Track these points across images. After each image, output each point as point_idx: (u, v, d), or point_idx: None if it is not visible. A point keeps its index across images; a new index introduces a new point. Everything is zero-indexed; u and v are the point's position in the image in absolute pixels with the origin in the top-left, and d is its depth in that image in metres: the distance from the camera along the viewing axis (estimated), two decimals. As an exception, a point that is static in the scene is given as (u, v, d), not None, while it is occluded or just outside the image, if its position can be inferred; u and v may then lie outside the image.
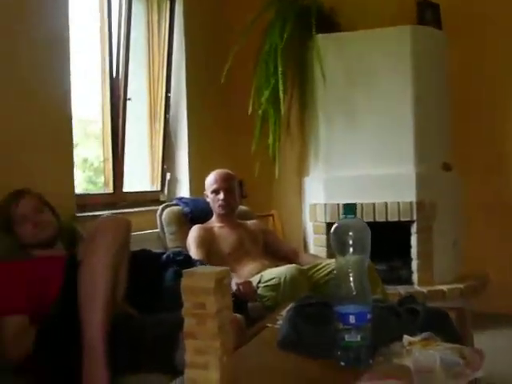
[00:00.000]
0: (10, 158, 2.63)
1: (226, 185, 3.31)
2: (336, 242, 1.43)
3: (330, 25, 4.22)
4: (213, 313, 1.19)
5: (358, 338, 1.37)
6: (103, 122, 3.62)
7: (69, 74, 3.04)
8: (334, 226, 1.44)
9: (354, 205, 1.45)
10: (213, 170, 3.43)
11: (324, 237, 4.23)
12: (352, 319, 1.37)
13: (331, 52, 4.10)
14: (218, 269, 1.26)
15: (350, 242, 1.40)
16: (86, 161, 3.77)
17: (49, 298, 2.03)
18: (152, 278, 2.46)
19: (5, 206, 2.33)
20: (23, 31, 2.76)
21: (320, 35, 4.07)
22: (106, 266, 1.78)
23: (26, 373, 1.81)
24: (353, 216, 1.44)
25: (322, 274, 3.01)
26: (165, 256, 2.59)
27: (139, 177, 4.09)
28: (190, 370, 1.24)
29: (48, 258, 2.28)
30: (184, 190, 4.16)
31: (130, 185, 3.86)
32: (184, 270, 1.25)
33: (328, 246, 4.17)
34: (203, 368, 1.22)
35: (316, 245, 4.30)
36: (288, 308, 1.66)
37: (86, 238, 1.86)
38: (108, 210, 3.35)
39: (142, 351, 1.88)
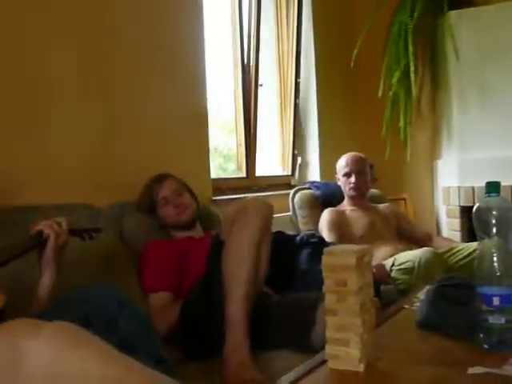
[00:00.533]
0: (153, 145, 2.79)
1: (358, 168, 3.30)
2: (478, 222, 1.39)
3: (462, 0, 4.05)
4: (354, 290, 1.21)
5: (503, 321, 1.33)
6: (236, 108, 3.73)
7: (204, 64, 3.15)
8: (476, 206, 1.40)
9: (498, 183, 1.39)
10: (342, 153, 3.43)
11: (458, 221, 4.10)
12: (496, 301, 1.33)
13: (464, 29, 3.93)
14: (358, 247, 1.27)
15: (494, 222, 1.35)
16: (216, 149, 3.87)
17: (192, 276, 2.13)
18: (286, 260, 2.51)
19: (148, 189, 2.49)
20: (159, 24, 2.90)
21: (452, 12, 3.92)
22: (252, 244, 1.83)
23: (173, 344, 1.90)
24: (496, 195, 1.39)
25: (456, 259, 2.93)
26: (298, 238, 2.62)
27: (270, 161, 4.17)
28: (330, 346, 1.26)
29: (192, 238, 2.41)
30: (314, 174, 4.19)
31: (262, 169, 3.94)
32: (325, 248, 1.27)
33: (462, 229, 4.04)
34: (344, 345, 1.24)
35: (450, 229, 4.18)
36: (427, 288, 1.64)
37: (229, 218, 1.91)
38: (242, 194, 3.45)
39: (280, 330, 1.93)
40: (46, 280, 1.60)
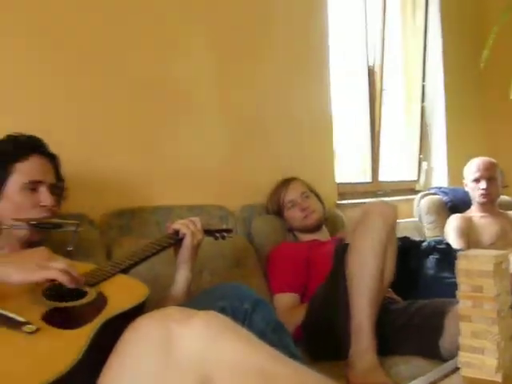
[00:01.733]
0: (282, 149, 2.85)
1: (488, 173, 3.19)
2: None
3: None
4: (491, 296, 1.18)
5: None
6: (360, 112, 3.72)
7: (328, 68, 3.17)
8: None
9: None
10: (470, 158, 3.32)
11: None
12: None
13: None
14: (496, 252, 1.24)
15: None
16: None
17: (318, 278, 2.15)
18: (412, 265, 2.47)
19: (276, 192, 2.56)
20: (280, 24, 2.95)
21: None
22: (376, 247, 1.81)
23: (298, 346, 1.94)
24: None
25: None
26: (425, 244, 2.57)
27: (395, 166, 4.11)
28: (464, 353, 1.24)
29: (318, 241, 2.44)
30: (439, 179, 4.08)
31: (387, 174, 3.90)
32: (459, 253, 1.25)
33: None
34: (479, 352, 1.21)
35: None
36: None
37: (355, 222, 1.91)
38: (366, 198, 3.43)
39: (405, 335, 1.91)
40: (182, 277, 1.67)
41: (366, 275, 1.80)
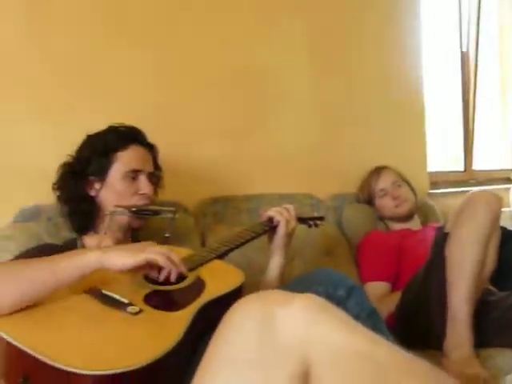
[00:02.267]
0: (373, 137, 2.82)
1: None
2: None
3: None
4: None
5: None
6: (453, 98, 3.62)
7: (420, 54, 3.10)
8: None
9: None
10: None
11: None
12: None
13: None
14: None
15: None
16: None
17: (409, 268, 2.12)
18: (508, 256, 2.39)
19: (367, 181, 2.55)
20: (371, 9, 2.91)
21: None
22: (479, 237, 1.75)
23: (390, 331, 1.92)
24: None
25: None
26: (524, 235, 2.48)
27: (490, 154, 3.97)
28: None
29: (410, 231, 2.41)
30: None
31: (480, 163, 3.78)
32: None
33: None
34: None
35: None
36: None
37: (457, 210, 1.86)
38: (458, 187, 3.35)
39: (503, 328, 1.85)
40: (276, 263, 1.69)
41: (467, 266, 1.75)
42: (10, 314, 1.08)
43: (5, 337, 1.02)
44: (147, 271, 1.27)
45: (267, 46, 2.47)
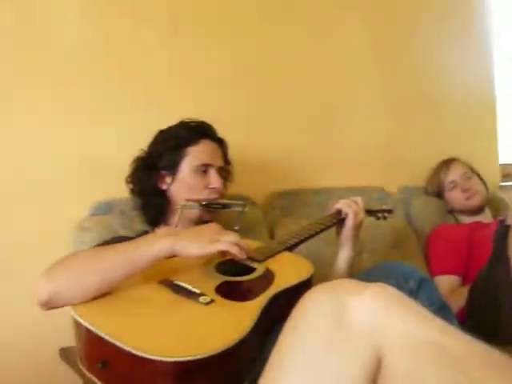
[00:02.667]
0: (442, 130, 2.78)
1: None
2: None
3: None
4: None
5: None
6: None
7: (489, 41, 3.03)
8: None
9: None
10: None
11: None
12: None
13: None
14: None
15: None
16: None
17: (479, 261, 2.08)
18: None
19: (436, 174, 2.51)
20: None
21: None
22: None
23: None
24: None
25: None
26: None
27: None
28: None
29: (480, 224, 2.36)
30: None
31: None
32: None
33: None
34: None
35: None
36: None
37: None
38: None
39: None
40: (344, 255, 1.69)
41: None
42: (89, 301, 1.13)
43: (84, 323, 1.06)
44: (218, 257, 1.31)
45: (335, 40, 2.47)
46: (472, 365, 0.78)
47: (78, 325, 1.10)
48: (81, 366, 1.13)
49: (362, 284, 0.90)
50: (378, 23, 2.61)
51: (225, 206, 1.60)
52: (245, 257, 1.29)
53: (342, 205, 1.70)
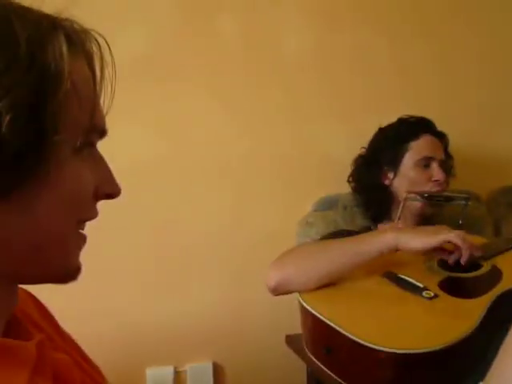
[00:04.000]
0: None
1: None
2: None
3: None
4: None
5: None
6: None
7: None
8: None
9: None
10: None
11: None
12: None
13: None
14: None
15: None
16: None
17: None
18: None
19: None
20: None
21: None
22: None
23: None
24: None
25: None
26: None
27: None
28: None
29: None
30: None
31: None
32: None
33: None
34: None
35: None
36: None
37: None
38: None
39: None
40: None
41: None
42: (315, 290, 1.20)
43: (311, 310, 1.13)
44: (439, 254, 1.29)
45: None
46: None
47: (304, 311, 1.17)
48: (306, 351, 1.20)
49: None
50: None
51: (448, 199, 1.58)
52: (469, 250, 1.26)
53: None
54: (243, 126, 1.93)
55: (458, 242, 1.23)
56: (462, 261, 1.26)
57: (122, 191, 0.58)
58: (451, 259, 1.28)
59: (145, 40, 1.82)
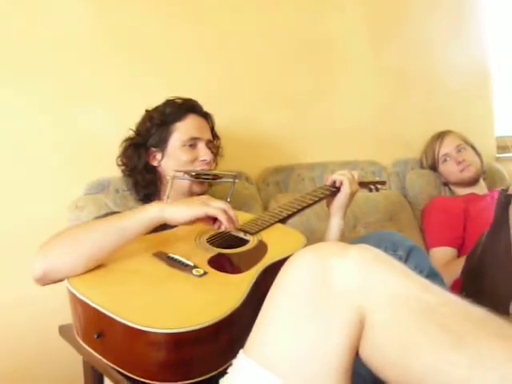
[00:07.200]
0: (436, 102, 2.78)
1: None
2: None
3: None
4: None
5: None
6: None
7: (487, 11, 3.01)
8: None
9: None
10: None
11: None
12: None
13: None
14: None
15: None
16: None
17: (475, 232, 2.08)
18: None
19: (430, 146, 2.51)
20: None
21: None
22: None
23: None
24: None
25: None
26: None
27: None
28: None
29: (475, 195, 2.36)
30: None
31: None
32: None
33: None
34: None
35: None
36: None
37: None
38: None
39: None
40: (335, 224, 1.69)
41: None
42: (83, 274, 1.15)
43: (79, 296, 1.08)
44: (205, 222, 1.31)
45: (329, 16, 2.45)
46: (453, 319, 0.79)
47: (73, 297, 1.11)
48: (77, 338, 1.15)
49: (345, 246, 0.91)
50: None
51: (216, 177, 1.62)
52: (232, 226, 1.30)
53: (337, 175, 1.70)
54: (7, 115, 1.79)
55: (221, 218, 1.26)
56: (223, 228, 1.30)
57: None
58: (215, 227, 1.32)
59: None
